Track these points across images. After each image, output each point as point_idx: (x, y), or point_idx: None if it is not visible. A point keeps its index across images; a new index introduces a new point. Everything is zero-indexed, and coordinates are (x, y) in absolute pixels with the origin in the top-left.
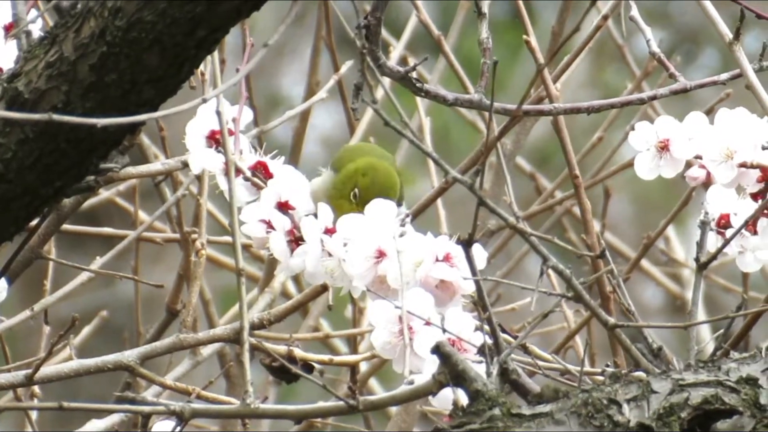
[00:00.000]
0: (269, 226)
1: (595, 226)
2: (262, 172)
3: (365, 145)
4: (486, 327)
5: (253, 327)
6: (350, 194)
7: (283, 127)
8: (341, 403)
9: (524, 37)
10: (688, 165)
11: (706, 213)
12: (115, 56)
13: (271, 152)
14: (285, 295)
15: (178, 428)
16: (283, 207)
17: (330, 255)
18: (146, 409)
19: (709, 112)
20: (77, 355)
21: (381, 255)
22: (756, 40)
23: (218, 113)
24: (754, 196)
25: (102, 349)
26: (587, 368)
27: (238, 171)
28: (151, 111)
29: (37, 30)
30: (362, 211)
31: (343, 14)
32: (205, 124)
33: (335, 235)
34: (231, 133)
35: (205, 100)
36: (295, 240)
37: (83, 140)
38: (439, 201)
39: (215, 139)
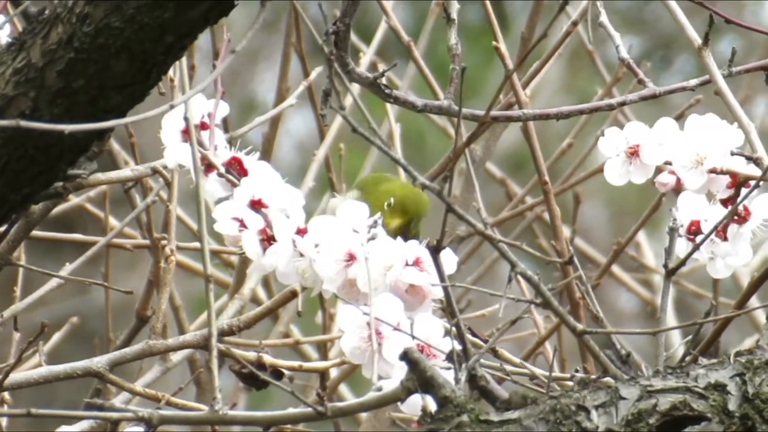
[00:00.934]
0: (242, 224)
1: (566, 232)
2: (236, 168)
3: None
4: (455, 333)
5: (223, 333)
6: (385, 204)
7: (255, 133)
8: (310, 409)
9: (494, 43)
10: (658, 171)
11: (675, 219)
12: (83, 62)
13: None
14: (255, 301)
15: None
16: (257, 205)
17: (302, 255)
18: (115, 415)
19: (680, 118)
20: (47, 361)
21: (351, 258)
22: (729, 46)
23: (186, 119)
24: (724, 202)
25: (72, 355)
26: (556, 374)
27: (213, 167)
28: (120, 117)
29: (4, 36)
30: (394, 224)
31: (312, 20)
32: (181, 119)
33: (306, 236)
34: (206, 126)
35: (173, 106)
36: (268, 239)
37: (51, 146)
38: None
39: (190, 137)
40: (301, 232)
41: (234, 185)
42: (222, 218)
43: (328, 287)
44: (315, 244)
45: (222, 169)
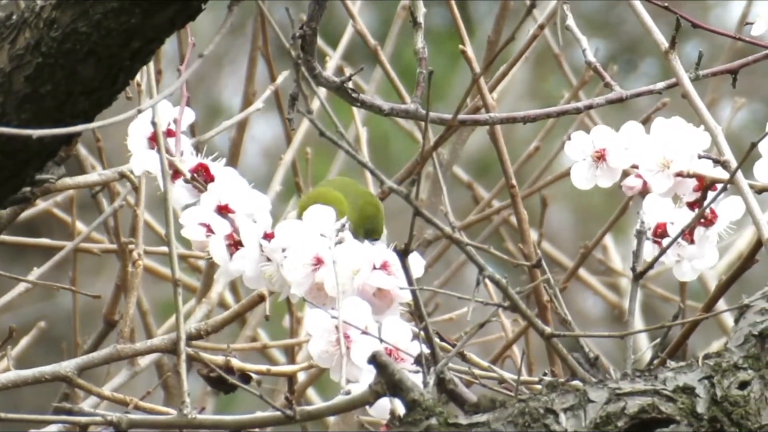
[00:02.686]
0: (209, 229)
1: (533, 235)
2: (203, 174)
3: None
4: (423, 336)
5: (191, 337)
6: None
7: (221, 137)
8: (278, 413)
9: (460, 46)
10: (625, 174)
11: (642, 222)
12: (50, 67)
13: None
14: (222, 305)
15: None
16: (223, 210)
17: (269, 260)
18: (83, 419)
19: (646, 122)
20: (15, 366)
21: (319, 262)
22: (696, 49)
23: (153, 124)
24: (691, 206)
25: (41, 360)
26: (525, 377)
27: (179, 173)
28: (87, 122)
29: None
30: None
31: (279, 24)
32: (148, 125)
33: (273, 240)
34: (172, 133)
35: (140, 111)
36: (235, 244)
37: (19, 151)
38: None
39: (158, 141)
40: (268, 236)
41: (201, 191)
42: (189, 223)
43: (296, 291)
44: (282, 249)
45: (188, 176)
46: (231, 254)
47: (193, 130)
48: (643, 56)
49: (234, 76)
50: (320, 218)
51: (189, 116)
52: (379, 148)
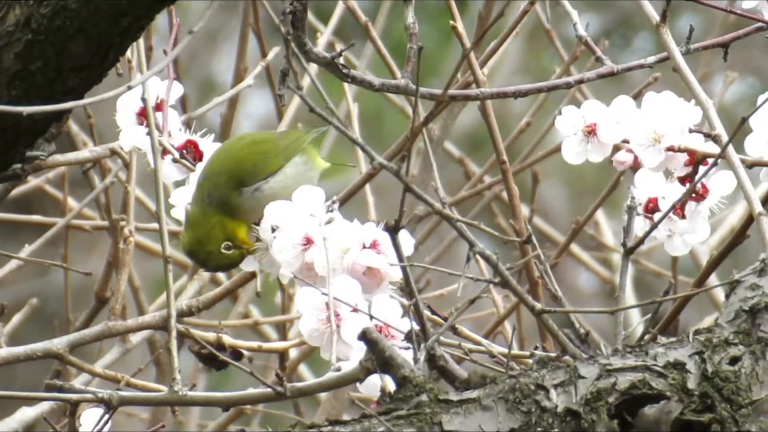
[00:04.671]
0: None
1: (524, 211)
2: (192, 151)
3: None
4: (413, 312)
5: (182, 314)
6: (222, 247)
7: (213, 113)
8: (269, 390)
9: (451, 22)
10: (616, 149)
11: (633, 198)
12: (40, 44)
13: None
14: (214, 282)
15: (107, 416)
16: None
17: (259, 240)
18: (74, 396)
19: (637, 96)
20: (7, 342)
21: (308, 242)
22: (688, 23)
23: (143, 100)
24: (682, 180)
25: (32, 337)
26: (516, 352)
27: (168, 151)
28: (77, 99)
29: None
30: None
31: (270, 1)
32: (137, 101)
33: (263, 221)
34: (160, 108)
35: (130, 87)
36: None
37: (9, 129)
38: (367, 187)
39: (147, 118)
40: None
41: (189, 169)
42: (179, 203)
43: (286, 272)
44: (272, 229)
45: (176, 154)
46: None
47: (184, 107)
48: (636, 31)
49: (227, 53)
50: (309, 198)
51: (177, 91)
52: (370, 124)
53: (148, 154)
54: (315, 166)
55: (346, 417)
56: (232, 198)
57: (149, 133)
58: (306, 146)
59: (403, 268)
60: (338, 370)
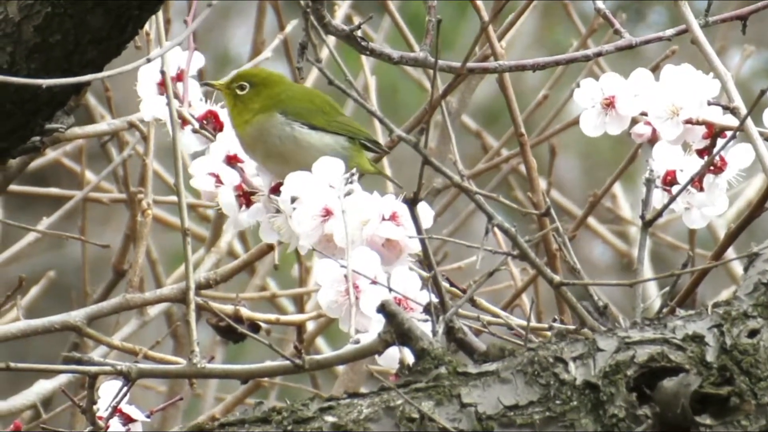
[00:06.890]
0: (218, 180)
1: (542, 184)
2: (212, 121)
3: None
4: (432, 285)
5: (200, 287)
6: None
7: None
8: (287, 362)
9: None
10: (634, 122)
11: (651, 170)
12: (59, 17)
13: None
14: (231, 254)
15: (125, 388)
16: (233, 160)
17: (278, 211)
18: (93, 369)
19: (655, 69)
20: (25, 315)
21: (328, 214)
22: None
23: (163, 72)
24: (700, 153)
25: (50, 309)
26: (534, 324)
27: (187, 121)
28: (96, 71)
29: None
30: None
31: None
32: (157, 72)
33: (282, 192)
34: (181, 78)
35: (149, 60)
36: (244, 194)
37: (28, 101)
38: (385, 160)
39: (167, 89)
40: (274, 189)
41: (209, 140)
42: (198, 174)
43: (304, 243)
44: (291, 200)
45: (196, 125)
46: (240, 205)
47: (201, 79)
48: (651, 5)
49: (243, 26)
50: (329, 169)
51: (198, 61)
52: (387, 96)
53: (168, 124)
54: (354, 159)
55: (364, 390)
56: (266, 114)
57: (168, 104)
58: (356, 141)
59: (422, 241)
60: (357, 342)
